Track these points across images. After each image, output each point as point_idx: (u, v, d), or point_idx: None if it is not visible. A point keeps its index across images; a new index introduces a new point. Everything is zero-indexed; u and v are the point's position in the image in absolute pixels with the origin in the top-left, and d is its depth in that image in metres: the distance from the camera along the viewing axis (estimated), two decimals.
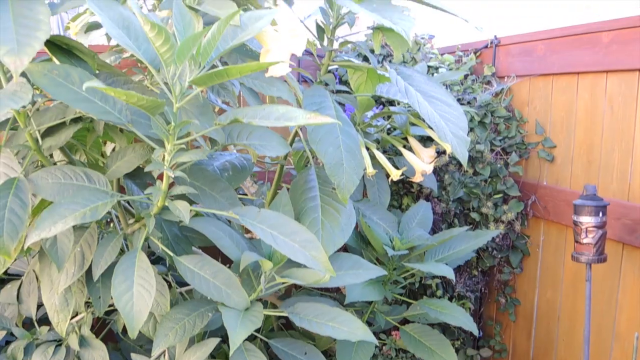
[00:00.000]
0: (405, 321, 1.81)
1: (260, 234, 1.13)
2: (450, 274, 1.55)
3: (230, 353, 1.10)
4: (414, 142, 1.89)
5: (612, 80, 1.79)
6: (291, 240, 1.15)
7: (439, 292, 2.06)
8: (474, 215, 2.13)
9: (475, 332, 1.59)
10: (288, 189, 1.49)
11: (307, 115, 1.10)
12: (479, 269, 2.19)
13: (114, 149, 1.50)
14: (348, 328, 1.29)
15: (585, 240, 1.54)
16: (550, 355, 2.10)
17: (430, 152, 1.86)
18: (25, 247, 1.00)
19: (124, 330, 1.54)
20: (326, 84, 1.66)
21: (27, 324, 1.56)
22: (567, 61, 1.95)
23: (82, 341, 1.41)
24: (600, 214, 1.54)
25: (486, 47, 2.29)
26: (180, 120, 1.08)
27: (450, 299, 2.12)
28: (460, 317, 1.59)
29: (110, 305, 1.32)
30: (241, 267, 1.24)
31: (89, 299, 1.33)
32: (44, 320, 1.44)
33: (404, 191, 2.25)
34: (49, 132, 1.21)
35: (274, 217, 1.18)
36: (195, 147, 1.27)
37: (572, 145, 1.95)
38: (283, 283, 1.35)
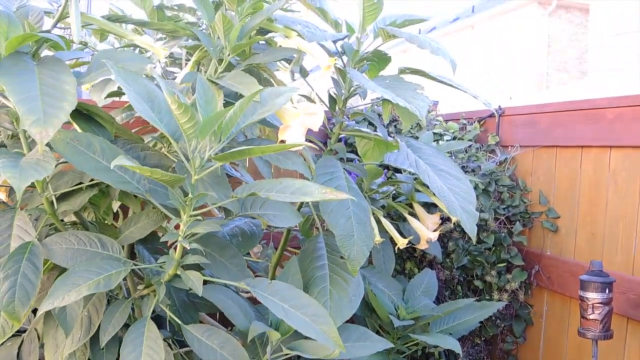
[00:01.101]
0: None
1: (272, 306, 1.13)
2: (457, 348, 1.53)
3: None
4: (419, 209, 1.91)
5: (616, 155, 1.83)
6: (302, 313, 1.15)
7: None
8: (477, 283, 2.13)
9: None
10: (295, 254, 1.49)
11: (323, 191, 1.12)
12: (482, 338, 2.17)
13: (122, 211, 1.51)
14: None
15: (591, 317, 1.54)
16: None
17: (434, 219, 1.88)
18: (37, 315, 1.00)
19: None
20: (336, 152, 1.69)
21: None
22: (571, 134, 1.99)
23: None
24: (607, 290, 1.54)
25: (490, 116, 2.34)
26: (197, 192, 1.10)
27: None
28: None
29: None
30: (250, 337, 1.23)
31: None
32: None
33: (407, 255, 2.25)
34: (64, 196, 1.22)
35: (285, 289, 1.18)
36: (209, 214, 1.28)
37: (576, 217, 1.98)
38: (288, 354, 1.33)
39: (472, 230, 1.45)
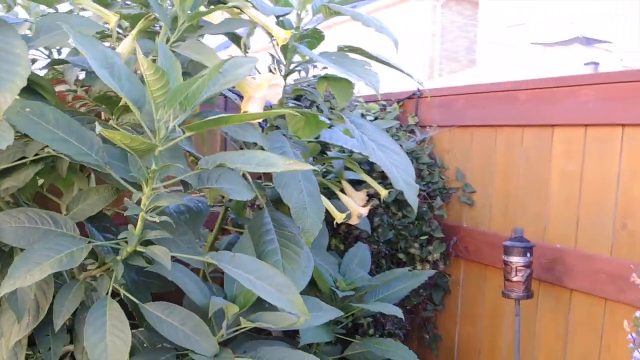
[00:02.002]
0: None
1: (239, 278, 1.13)
2: (399, 313, 1.62)
3: None
4: (347, 186, 1.96)
5: (528, 133, 1.99)
6: (268, 284, 1.15)
7: (371, 331, 2.12)
8: (400, 255, 2.23)
9: None
10: (231, 233, 1.48)
11: (287, 162, 1.13)
12: (406, 307, 2.29)
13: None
14: None
15: (515, 279, 1.68)
16: None
17: (362, 196, 1.95)
18: None
19: None
20: (277, 127, 1.69)
21: None
22: (486, 115, 2.14)
23: None
24: (528, 254, 1.69)
25: (409, 98, 2.45)
26: (161, 164, 1.07)
27: (381, 337, 2.19)
28: (404, 354, 1.66)
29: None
30: (211, 312, 1.22)
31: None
32: None
33: (332, 233, 2.31)
34: (5, 172, 1.13)
35: (249, 261, 1.18)
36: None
37: (491, 191, 2.13)
38: (244, 327, 1.33)
39: (413, 202, 1.53)
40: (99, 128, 0.86)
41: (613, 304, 1.70)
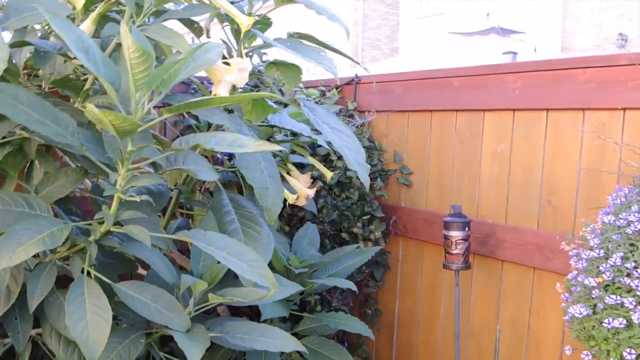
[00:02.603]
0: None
1: (214, 254, 1.17)
2: (352, 286, 1.72)
3: None
4: (293, 169, 2.04)
5: (461, 117, 2.15)
6: (240, 260, 1.21)
7: (319, 307, 2.21)
8: (344, 235, 2.34)
9: (372, 336, 1.78)
10: (184, 216, 1.49)
11: (256, 143, 1.19)
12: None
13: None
14: (279, 341, 1.37)
15: (454, 251, 1.83)
16: (411, 357, 2.38)
17: (307, 178, 2.03)
18: None
19: None
20: (231, 111, 1.73)
21: None
22: (422, 100, 2.27)
23: None
24: (466, 229, 1.84)
25: (348, 84, 2.55)
26: (136, 146, 1.09)
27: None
28: (357, 325, 1.76)
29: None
30: (182, 288, 1.26)
31: None
32: None
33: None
34: None
35: (220, 239, 1.23)
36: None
37: (427, 172, 2.28)
38: (211, 304, 1.38)
39: (366, 181, 1.63)
40: (95, 109, 0.88)
41: (540, 272, 1.88)
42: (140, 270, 1.63)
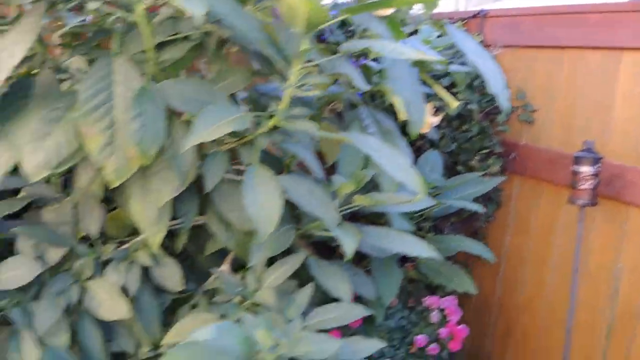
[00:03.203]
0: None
1: (371, 153, 1.24)
2: (480, 209, 1.76)
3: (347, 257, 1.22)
4: None
5: (595, 56, 2.08)
6: (391, 162, 1.28)
7: (431, 234, 2.28)
8: (459, 168, 2.36)
9: (493, 259, 1.83)
10: None
11: (416, 52, 1.23)
12: (459, 217, 2.44)
13: None
14: (414, 246, 1.44)
15: (582, 187, 1.82)
16: (516, 293, 2.42)
17: (430, 107, 2.06)
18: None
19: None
20: None
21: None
22: (553, 36, 2.21)
23: (153, 258, 1.45)
24: (597, 165, 1.82)
25: (474, 17, 2.51)
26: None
27: None
28: (478, 247, 1.82)
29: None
30: (333, 188, 1.36)
31: None
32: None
33: None
34: (161, 46, 1.23)
35: (374, 141, 1.30)
36: None
37: (553, 111, 2.24)
38: (354, 206, 1.47)
39: (507, 107, 1.64)
40: None
41: None
42: None
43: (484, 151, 2.35)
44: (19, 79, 1.26)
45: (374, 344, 1.26)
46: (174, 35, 1.22)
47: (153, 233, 1.30)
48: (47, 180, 1.68)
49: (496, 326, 2.55)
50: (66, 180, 1.55)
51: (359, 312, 1.34)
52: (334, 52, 1.29)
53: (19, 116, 1.21)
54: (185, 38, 1.23)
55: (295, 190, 1.28)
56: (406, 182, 1.26)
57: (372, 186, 1.51)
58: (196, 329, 1.29)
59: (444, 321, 1.88)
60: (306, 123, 1.19)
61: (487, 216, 2.46)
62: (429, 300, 1.89)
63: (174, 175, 1.24)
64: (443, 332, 1.85)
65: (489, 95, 2.39)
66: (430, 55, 1.22)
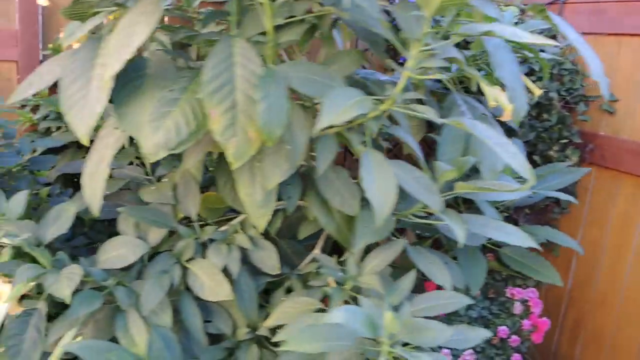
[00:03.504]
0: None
1: (486, 140, 1.22)
2: (573, 199, 1.73)
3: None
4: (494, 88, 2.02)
5: None
6: (503, 149, 1.25)
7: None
8: (535, 157, 2.32)
9: (581, 251, 1.80)
10: None
11: (531, 35, 1.20)
12: (532, 209, 2.40)
13: None
14: (514, 236, 1.42)
15: None
16: (589, 287, 2.37)
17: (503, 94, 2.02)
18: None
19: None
20: None
21: None
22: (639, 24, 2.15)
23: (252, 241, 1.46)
24: None
25: (551, 3, 2.45)
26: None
27: None
28: (565, 239, 1.78)
29: None
30: (436, 174, 1.34)
31: None
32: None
33: None
34: (279, 28, 1.23)
35: (485, 128, 1.28)
36: None
37: (636, 100, 2.17)
38: (455, 193, 1.45)
39: (606, 93, 1.59)
40: None
41: None
42: None
43: (563, 141, 2.30)
44: (133, 59, 1.26)
45: (481, 333, 1.24)
46: (290, 17, 1.21)
47: (259, 216, 1.30)
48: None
49: (565, 320, 2.51)
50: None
51: (462, 300, 1.32)
52: (445, 37, 1.26)
53: (134, 96, 1.23)
54: (301, 21, 1.22)
55: (401, 175, 1.27)
56: (518, 169, 1.24)
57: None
58: (299, 312, 1.30)
59: (526, 313, 1.85)
60: (423, 107, 1.17)
61: (561, 208, 2.41)
62: (512, 292, 1.87)
63: (284, 159, 1.24)
64: (526, 323, 1.82)
65: (567, 85, 2.33)
66: (544, 39, 1.19)
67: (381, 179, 1.16)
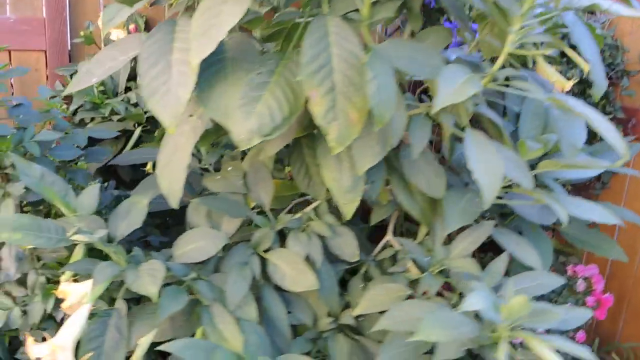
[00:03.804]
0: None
1: (589, 119, 1.19)
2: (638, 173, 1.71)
3: None
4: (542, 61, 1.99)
5: None
6: (604, 126, 1.22)
7: None
8: None
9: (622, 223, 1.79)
10: None
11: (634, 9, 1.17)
12: (575, 185, 2.38)
13: None
14: (593, 213, 1.40)
15: None
16: (631, 262, 2.36)
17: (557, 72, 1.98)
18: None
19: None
20: None
21: None
22: None
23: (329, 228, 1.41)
24: None
25: None
26: None
27: None
28: (608, 215, 1.76)
29: None
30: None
31: None
32: None
33: None
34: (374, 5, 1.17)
35: (578, 103, 1.24)
36: None
37: None
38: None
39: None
40: None
41: None
42: None
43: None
44: None
45: (584, 313, 1.22)
46: None
47: (347, 202, 1.26)
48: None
49: None
50: None
51: (555, 280, 1.30)
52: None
53: (215, 81, 1.17)
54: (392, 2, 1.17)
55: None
56: (614, 144, 1.21)
57: None
58: (390, 300, 1.26)
59: (589, 290, 1.84)
60: (524, 84, 1.13)
61: (602, 183, 2.40)
62: (574, 269, 1.85)
63: (375, 141, 1.19)
64: (590, 300, 1.81)
65: (607, 60, 2.31)
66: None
67: (487, 160, 1.11)
